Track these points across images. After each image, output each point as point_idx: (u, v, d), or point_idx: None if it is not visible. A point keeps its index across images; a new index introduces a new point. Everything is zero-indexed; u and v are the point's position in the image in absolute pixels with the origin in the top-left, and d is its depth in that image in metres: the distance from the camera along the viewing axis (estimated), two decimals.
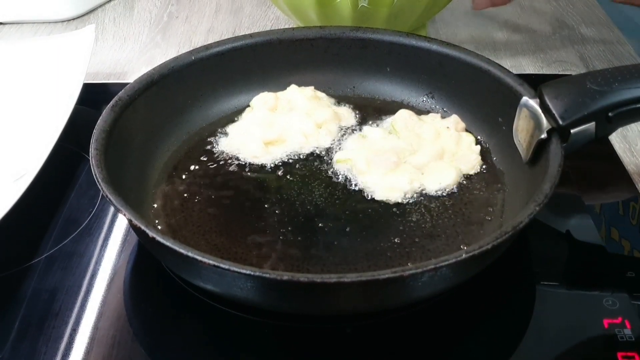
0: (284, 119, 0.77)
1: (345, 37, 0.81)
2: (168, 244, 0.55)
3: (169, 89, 0.75)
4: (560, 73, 0.93)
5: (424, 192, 0.69)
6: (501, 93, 0.72)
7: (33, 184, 0.68)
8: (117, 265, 0.67)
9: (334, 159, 0.74)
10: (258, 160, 0.74)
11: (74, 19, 1.09)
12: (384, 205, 0.68)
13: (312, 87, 0.81)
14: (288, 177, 0.72)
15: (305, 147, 0.75)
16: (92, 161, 0.62)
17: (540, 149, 0.64)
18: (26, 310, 0.62)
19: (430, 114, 0.78)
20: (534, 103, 0.65)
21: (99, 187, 0.60)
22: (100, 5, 1.12)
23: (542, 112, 0.64)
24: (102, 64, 0.99)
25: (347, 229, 0.66)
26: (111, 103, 0.69)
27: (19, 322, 0.61)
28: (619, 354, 0.57)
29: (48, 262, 0.67)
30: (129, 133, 0.70)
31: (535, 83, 0.67)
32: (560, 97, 0.63)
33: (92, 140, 0.65)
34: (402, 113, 0.77)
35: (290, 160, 0.74)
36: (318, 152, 0.75)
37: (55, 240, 0.69)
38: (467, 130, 0.76)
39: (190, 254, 0.54)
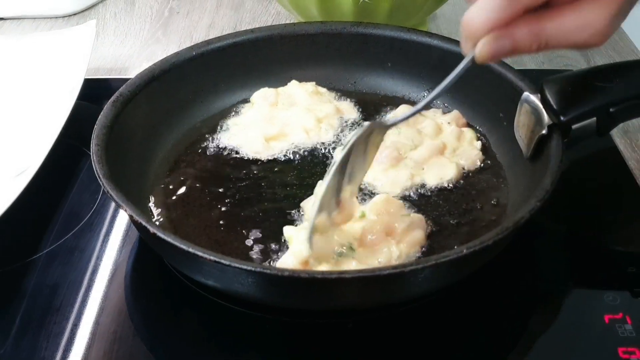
0: (285, 114, 0.77)
1: (347, 33, 0.81)
2: (169, 239, 0.55)
3: (170, 84, 0.75)
4: (562, 68, 0.93)
5: (424, 187, 0.69)
6: (502, 88, 0.71)
7: (34, 179, 0.68)
8: (118, 261, 0.67)
9: (335, 154, 0.73)
10: (259, 155, 0.74)
11: (75, 14, 1.09)
12: None
13: (314, 83, 0.81)
14: (289, 172, 0.72)
15: (306, 142, 0.75)
16: (93, 157, 0.62)
17: (541, 144, 0.64)
18: (27, 305, 0.62)
19: (432, 110, 0.78)
20: (535, 98, 0.65)
21: (100, 183, 0.60)
22: (101, 1, 1.12)
23: (543, 107, 0.64)
24: (103, 59, 0.99)
25: None
26: (112, 98, 0.69)
27: (20, 317, 0.61)
28: (620, 350, 0.57)
29: (49, 257, 0.67)
30: (130, 128, 0.70)
31: (537, 78, 0.67)
32: (561, 93, 0.63)
33: (93, 135, 0.65)
34: (403, 108, 0.77)
35: (292, 155, 0.74)
36: (319, 147, 0.75)
37: (57, 235, 0.69)
38: (468, 126, 0.76)
39: (191, 250, 0.54)
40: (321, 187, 0.57)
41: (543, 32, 0.50)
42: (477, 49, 0.51)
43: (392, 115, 0.77)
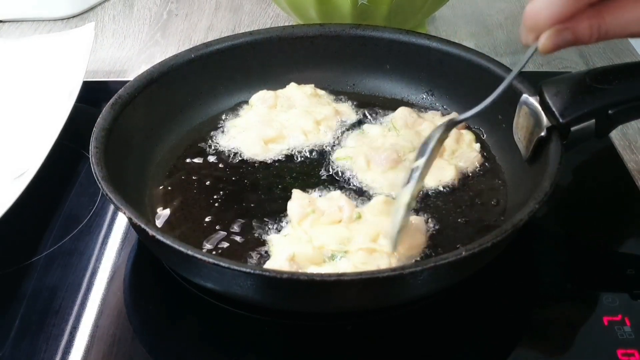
0: (284, 117, 0.77)
1: (345, 35, 0.81)
2: (168, 242, 0.55)
3: (168, 86, 0.75)
4: (560, 70, 0.93)
5: (424, 189, 0.69)
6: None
7: (33, 181, 0.68)
8: (117, 263, 0.67)
9: (334, 156, 0.74)
10: (258, 157, 0.74)
11: (73, 17, 1.09)
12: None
13: (312, 85, 0.81)
14: (288, 174, 0.72)
15: (305, 145, 0.75)
16: (92, 159, 0.62)
17: (540, 146, 0.64)
18: (26, 308, 0.62)
19: (430, 112, 0.78)
20: (533, 100, 0.65)
21: (99, 185, 0.60)
22: (100, 3, 1.12)
23: (542, 109, 0.64)
24: (102, 61, 0.99)
25: None
26: (111, 101, 0.69)
27: (19, 319, 0.61)
28: (619, 352, 0.57)
29: (48, 260, 0.67)
30: (129, 131, 0.70)
31: (535, 80, 0.67)
32: (560, 95, 0.63)
33: (92, 138, 0.65)
34: (402, 110, 0.77)
35: (290, 158, 0.74)
36: (318, 150, 0.75)
37: (56, 238, 0.69)
38: (467, 128, 0.76)
39: (189, 252, 0.54)
40: (405, 192, 0.60)
41: (603, 24, 0.53)
42: (540, 41, 0.54)
43: (390, 118, 0.77)
